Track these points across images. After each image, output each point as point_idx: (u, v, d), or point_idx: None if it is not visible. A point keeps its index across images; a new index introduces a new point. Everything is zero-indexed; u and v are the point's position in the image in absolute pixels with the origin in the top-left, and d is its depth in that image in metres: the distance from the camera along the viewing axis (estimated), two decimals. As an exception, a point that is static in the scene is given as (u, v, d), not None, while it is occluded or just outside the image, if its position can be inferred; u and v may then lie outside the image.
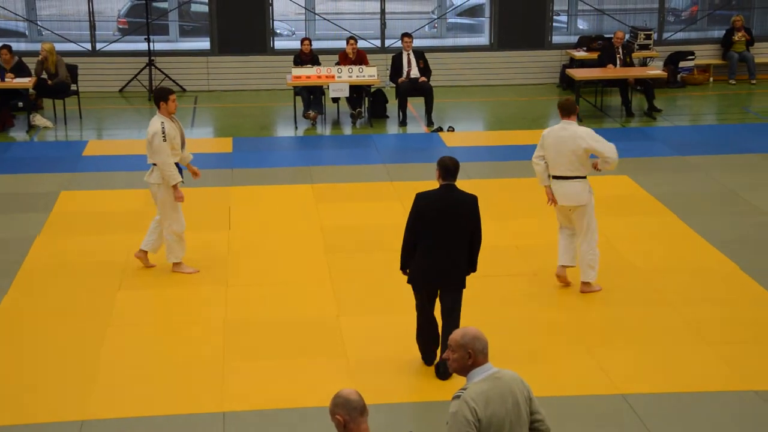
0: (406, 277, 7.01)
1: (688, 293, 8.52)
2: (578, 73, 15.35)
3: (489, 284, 8.63)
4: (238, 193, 11.32)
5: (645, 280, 8.81)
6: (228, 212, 10.60)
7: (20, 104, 14.55)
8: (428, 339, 7.06)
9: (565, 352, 7.43)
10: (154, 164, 8.62)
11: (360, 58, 15.06)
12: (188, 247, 9.57)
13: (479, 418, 4.33)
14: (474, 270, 7.02)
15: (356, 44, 15.17)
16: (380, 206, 10.80)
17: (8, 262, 9.13)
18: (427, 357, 7.14)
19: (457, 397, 4.40)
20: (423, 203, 6.78)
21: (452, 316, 6.96)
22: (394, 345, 7.53)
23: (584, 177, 8.36)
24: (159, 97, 8.61)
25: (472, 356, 4.44)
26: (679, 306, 8.25)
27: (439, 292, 6.96)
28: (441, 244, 6.76)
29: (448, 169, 6.81)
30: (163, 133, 8.49)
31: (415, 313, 7.11)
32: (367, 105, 15.01)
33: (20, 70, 14.42)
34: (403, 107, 14.78)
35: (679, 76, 17.33)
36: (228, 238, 9.84)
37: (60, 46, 15.76)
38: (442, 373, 6.96)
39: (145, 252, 8.98)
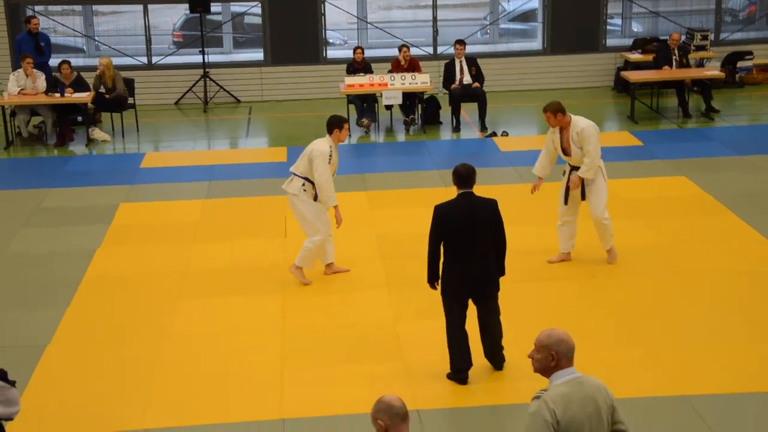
0: (434, 289, 6.98)
1: (753, 293, 8.36)
2: (633, 75, 15.19)
3: (543, 288, 8.57)
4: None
5: (708, 280, 8.66)
6: (284, 220, 10.67)
7: (79, 118, 14.81)
8: (464, 350, 6.96)
9: (625, 354, 7.33)
10: (295, 174, 8.64)
11: (412, 66, 15.08)
12: (246, 255, 9.66)
13: (558, 420, 4.28)
14: (503, 274, 6.98)
15: (409, 52, 15.19)
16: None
17: (70, 274, 9.29)
18: (463, 371, 6.99)
19: (537, 397, 4.36)
20: (442, 214, 6.77)
21: (492, 322, 6.96)
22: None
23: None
24: (334, 123, 8.60)
25: (555, 358, 4.38)
26: (742, 306, 8.10)
27: (471, 300, 6.94)
28: (467, 252, 6.73)
29: (462, 176, 6.82)
30: (330, 155, 8.53)
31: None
32: (420, 112, 15.01)
33: (79, 85, 14.68)
34: (456, 113, 14.75)
35: (737, 76, 17.05)
36: (284, 246, 9.90)
37: (117, 61, 16.02)
38: (498, 364, 7.05)
39: (330, 264, 9.00)
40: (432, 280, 6.92)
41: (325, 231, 8.76)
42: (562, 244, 9.08)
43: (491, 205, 6.82)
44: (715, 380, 6.95)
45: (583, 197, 8.87)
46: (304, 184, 8.61)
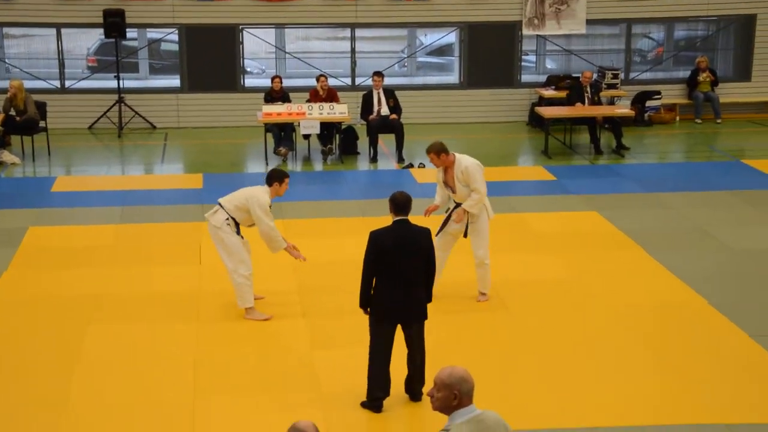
0: (366, 314, 7.04)
1: (658, 327, 8.59)
2: (547, 111, 15.54)
3: (454, 320, 8.67)
4: (206, 228, 11.26)
5: (615, 314, 8.86)
6: (199, 247, 10.57)
7: (-12, 140, 14.48)
8: (384, 377, 7.00)
9: (528, 387, 7.45)
10: (221, 206, 8.47)
11: (331, 96, 15.18)
12: (160, 282, 9.53)
13: None
14: (430, 300, 7.12)
15: (326, 81, 15.29)
16: (352, 242, 10.80)
17: (-25, 297, 9.03)
18: (379, 399, 7.02)
19: None
20: (379, 240, 6.87)
21: (419, 347, 7.04)
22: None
23: None
24: (275, 177, 8.46)
25: (458, 397, 4.37)
26: (647, 339, 8.31)
27: (400, 326, 7.01)
28: (401, 278, 6.85)
29: (399, 204, 6.97)
30: (269, 206, 8.43)
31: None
32: (337, 142, 15.09)
33: (-12, 107, 14.36)
34: (373, 144, 14.87)
35: (646, 114, 17.60)
36: (199, 273, 9.81)
37: (29, 84, 15.73)
38: (416, 395, 7.09)
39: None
40: (365, 305, 6.97)
41: (250, 263, 8.66)
42: None
43: (426, 234, 6.99)
44: (619, 413, 7.10)
45: (466, 235, 9.00)
46: (227, 219, 8.50)
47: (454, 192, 8.88)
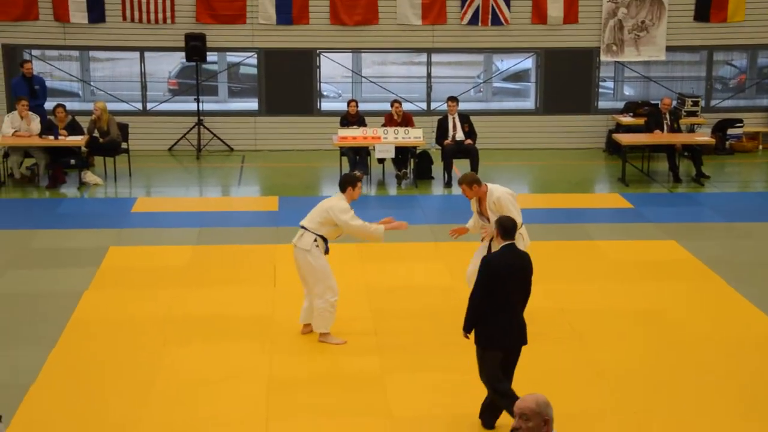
0: (467, 338, 6.99)
1: (743, 364, 8.38)
2: (625, 138, 15.37)
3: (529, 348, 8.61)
4: (283, 251, 11.39)
5: (694, 345, 8.69)
6: (274, 269, 10.69)
7: (72, 162, 14.88)
8: (513, 393, 6.97)
9: (611, 419, 7.33)
10: (306, 229, 8.52)
11: (406, 120, 15.25)
12: (235, 303, 9.66)
13: None
14: None
15: (401, 106, 15.36)
16: (425, 267, 10.84)
17: (57, 315, 9.25)
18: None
19: None
20: (495, 265, 6.88)
21: (512, 373, 7.06)
22: (440, 402, 7.50)
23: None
24: (348, 182, 8.58)
25: (548, 423, 4.34)
26: (729, 373, 8.12)
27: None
28: (513, 303, 6.93)
29: (507, 229, 6.99)
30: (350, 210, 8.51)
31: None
32: (412, 166, 15.14)
33: (73, 129, 14.77)
34: (448, 169, 14.88)
35: (727, 143, 17.28)
36: (273, 295, 9.91)
37: (112, 106, 16.14)
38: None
39: (304, 325, 8.88)
40: (469, 329, 6.96)
41: (337, 290, 8.66)
42: None
43: (528, 258, 7.08)
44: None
45: None
46: (316, 240, 8.52)
47: (489, 221, 8.83)
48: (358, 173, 14.60)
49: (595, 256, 11.24)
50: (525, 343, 7.03)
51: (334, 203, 8.56)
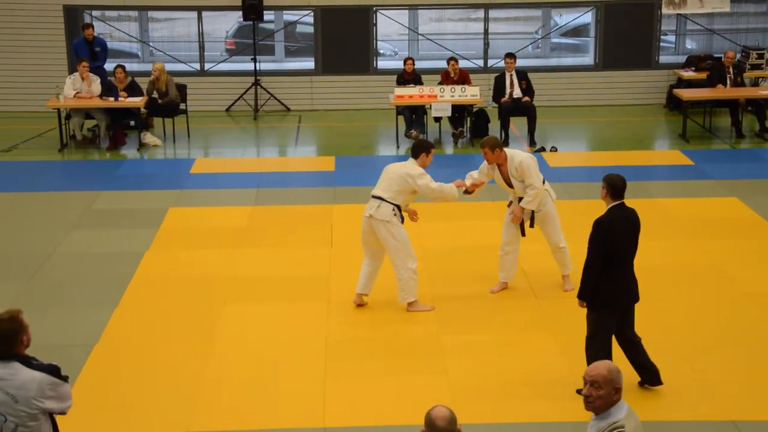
0: (582, 306, 6.91)
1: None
2: (686, 94, 15.08)
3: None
4: (340, 211, 11.47)
5: (754, 303, 8.58)
6: (330, 230, 10.75)
7: (132, 123, 15.05)
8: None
9: (673, 375, 7.29)
10: (382, 199, 8.37)
11: (462, 78, 15.13)
12: (293, 263, 9.75)
13: None
14: None
15: (457, 64, 15.23)
16: (482, 225, 10.81)
17: (119, 276, 9.44)
18: None
19: None
20: (607, 227, 6.79)
21: (633, 326, 7.01)
22: (495, 364, 7.52)
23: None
24: (422, 147, 8.48)
25: (618, 392, 4.31)
26: (792, 333, 8.02)
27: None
28: (629, 262, 6.91)
29: (618, 188, 6.88)
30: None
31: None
32: (469, 125, 15.04)
33: (133, 90, 14.93)
34: (505, 127, 14.76)
35: (792, 96, 16.83)
36: (330, 256, 9.98)
37: (170, 67, 16.27)
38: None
39: (362, 295, 8.75)
40: (588, 296, 6.89)
41: (415, 255, 8.53)
42: (504, 274, 8.96)
43: (636, 213, 6.97)
44: (762, 406, 6.88)
45: (532, 224, 8.81)
46: (394, 209, 8.49)
47: (511, 188, 8.71)
48: (414, 132, 14.68)
49: (656, 214, 11.09)
50: (638, 299, 6.97)
51: (410, 169, 8.41)
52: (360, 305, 8.67)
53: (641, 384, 7.06)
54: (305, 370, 7.52)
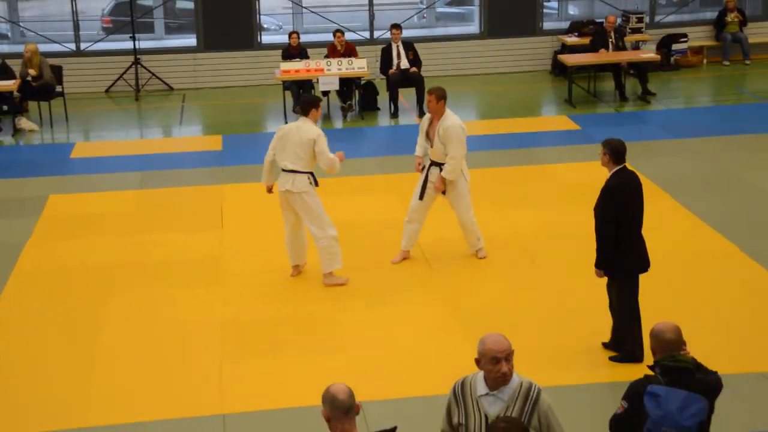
0: (600, 276, 6.99)
1: (690, 276, 8.51)
2: (570, 59, 15.32)
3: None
4: (229, 191, 11.28)
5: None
6: (220, 211, 10.56)
7: (5, 107, 14.48)
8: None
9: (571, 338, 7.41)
10: (295, 171, 8.22)
11: (349, 51, 15.02)
12: (183, 247, 9.55)
13: None
14: None
15: (344, 37, 15.13)
16: (375, 199, 10.78)
17: (-1, 268, 9.09)
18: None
19: None
20: (618, 191, 6.78)
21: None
22: (394, 339, 7.52)
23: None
24: (311, 103, 8.32)
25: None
26: (680, 290, 8.24)
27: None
28: (639, 224, 6.93)
29: (618, 152, 6.92)
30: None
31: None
32: (357, 98, 14.97)
33: (3, 73, 14.34)
34: (394, 99, 14.74)
35: (672, 58, 17.30)
36: (221, 237, 9.81)
37: (44, 47, 15.67)
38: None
39: (297, 266, 8.69)
40: (606, 264, 6.88)
41: (332, 224, 8.44)
42: (406, 242, 8.99)
43: (638, 176, 7.00)
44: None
45: (444, 192, 8.77)
46: (309, 178, 8.34)
47: (431, 145, 8.73)
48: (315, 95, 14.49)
49: (544, 180, 11.27)
50: (650, 264, 7.00)
51: (310, 132, 8.25)
52: (296, 275, 8.61)
53: (607, 346, 7.17)
54: (200, 357, 7.37)
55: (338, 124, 14.58)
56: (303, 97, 8.61)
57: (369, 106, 15.03)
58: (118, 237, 9.84)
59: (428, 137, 8.73)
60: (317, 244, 8.44)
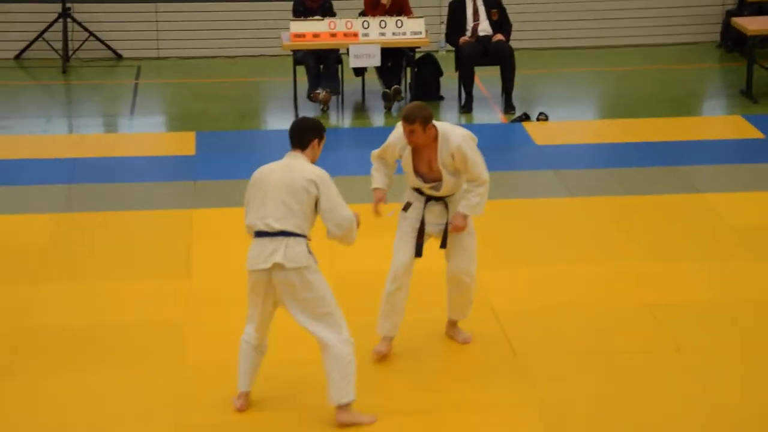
0: None
1: None
2: (752, 24, 15.28)
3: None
4: (202, 219, 11.38)
5: None
6: (186, 249, 10.64)
7: None
8: None
9: None
10: (287, 233, 7.94)
11: (399, 6, 15.12)
12: (125, 305, 9.65)
13: None
14: None
15: (393, -18, 15.28)
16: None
17: None
18: None
19: None
20: None
21: None
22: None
23: None
24: (314, 132, 8.27)
25: None
26: None
27: None
28: None
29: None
30: None
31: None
32: (409, 80, 15.08)
33: None
34: (466, 83, 14.83)
35: None
36: (187, 292, 9.86)
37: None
38: None
39: (248, 393, 8.34)
40: None
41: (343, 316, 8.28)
42: (390, 323, 8.88)
43: None
44: None
45: (443, 245, 8.81)
46: (308, 245, 8.11)
47: (427, 181, 8.65)
48: (323, 93, 14.65)
49: (706, 219, 11.24)
50: None
51: (308, 171, 8.05)
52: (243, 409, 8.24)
53: None
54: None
55: (378, 120, 14.70)
56: (298, 120, 8.40)
57: (428, 94, 15.11)
58: (24, 287, 9.97)
59: (418, 173, 8.68)
60: (333, 351, 8.06)
